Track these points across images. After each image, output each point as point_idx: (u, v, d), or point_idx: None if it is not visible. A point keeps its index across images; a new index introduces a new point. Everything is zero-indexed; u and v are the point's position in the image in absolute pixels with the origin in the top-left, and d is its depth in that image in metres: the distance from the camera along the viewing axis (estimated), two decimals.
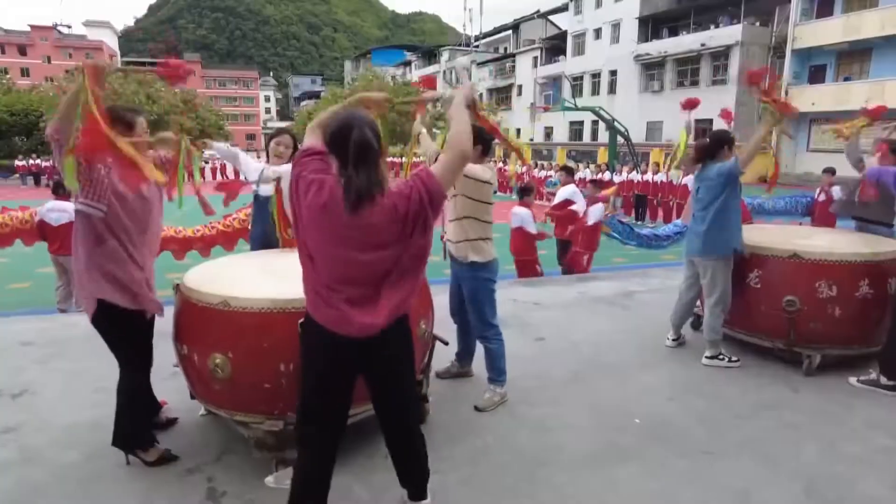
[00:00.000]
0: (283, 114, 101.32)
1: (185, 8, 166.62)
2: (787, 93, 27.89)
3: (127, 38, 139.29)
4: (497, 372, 3.44)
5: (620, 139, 22.70)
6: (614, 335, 4.75)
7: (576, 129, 40.71)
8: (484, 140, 3.30)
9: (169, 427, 3.14)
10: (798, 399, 3.58)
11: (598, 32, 38.57)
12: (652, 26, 35.24)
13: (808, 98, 26.97)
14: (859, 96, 24.83)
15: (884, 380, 3.61)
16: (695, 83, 32.33)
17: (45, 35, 66.24)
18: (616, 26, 36.93)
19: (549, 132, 43.71)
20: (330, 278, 1.93)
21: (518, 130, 46.98)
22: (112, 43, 70.23)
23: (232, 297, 2.56)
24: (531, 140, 44.35)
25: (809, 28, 27.05)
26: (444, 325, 3.72)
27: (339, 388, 2.06)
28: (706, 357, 4.10)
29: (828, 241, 4.10)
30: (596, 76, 39.09)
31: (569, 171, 8.22)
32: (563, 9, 43.25)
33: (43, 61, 64.19)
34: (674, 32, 34.21)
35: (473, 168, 3.19)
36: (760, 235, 4.36)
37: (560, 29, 45.87)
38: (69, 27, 70.50)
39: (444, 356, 3.81)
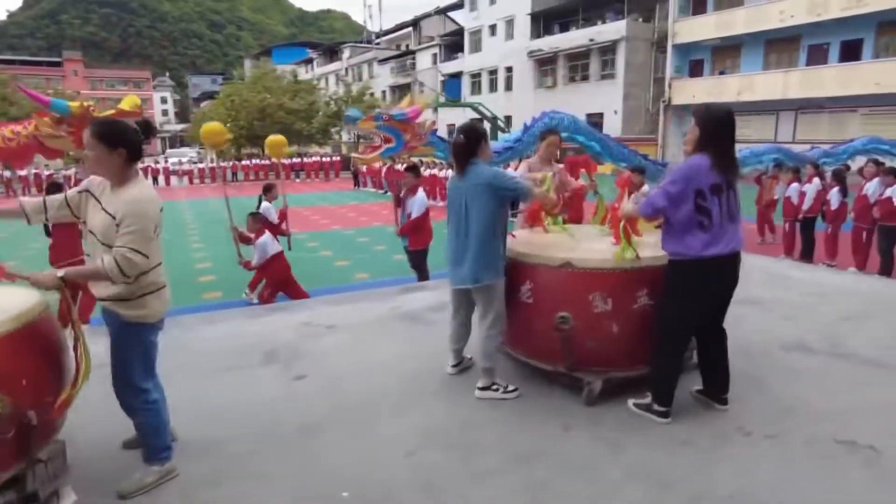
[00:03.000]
0: (182, 115, 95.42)
1: (68, 2, 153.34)
2: (670, 86, 28.93)
3: None
4: (153, 450, 2.55)
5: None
6: (396, 363, 3.99)
7: None
8: (130, 143, 2.38)
9: None
10: (565, 441, 2.95)
11: (493, 29, 38.54)
12: (544, 22, 35.51)
13: (690, 91, 28.03)
14: (732, 89, 26.07)
15: (656, 406, 3.07)
16: (585, 78, 32.88)
17: None
18: (510, 22, 36.99)
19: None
20: None
21: None
22: None
23: None
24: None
25: (687, 24, 28.08)
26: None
27: None
28: (478, 388, 3.42)
29: (607, 246, 3.51)
30: (493, 72, 39.05)
31: (416, 173, 6.93)
32: (461, 5, 42.95)
33: None
34: (564, 28, 34.60)
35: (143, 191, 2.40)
36: (531, 241, 3.74)
37: (459, 25, 45.61)
38: None
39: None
